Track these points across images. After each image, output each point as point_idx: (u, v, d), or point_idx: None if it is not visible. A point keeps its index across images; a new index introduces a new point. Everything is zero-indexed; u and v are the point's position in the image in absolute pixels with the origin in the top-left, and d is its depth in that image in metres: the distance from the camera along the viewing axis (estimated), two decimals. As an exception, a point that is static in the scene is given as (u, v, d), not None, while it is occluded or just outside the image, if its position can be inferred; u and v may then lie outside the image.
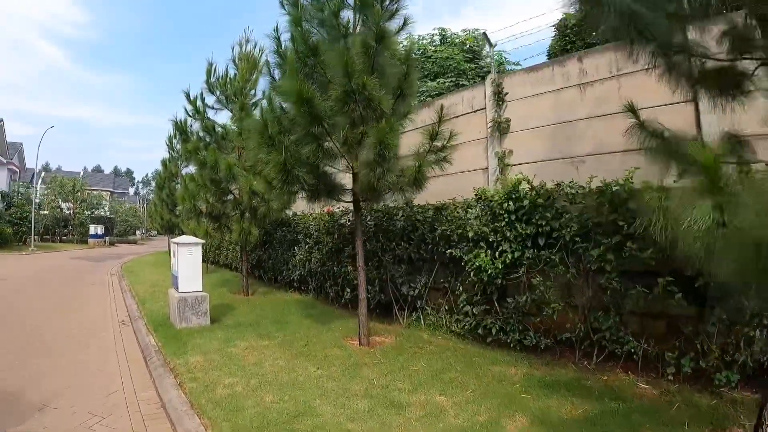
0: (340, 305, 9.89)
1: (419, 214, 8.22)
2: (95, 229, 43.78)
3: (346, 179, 7.37)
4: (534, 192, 6.25)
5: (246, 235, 10.63)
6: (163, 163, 22.48)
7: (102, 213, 53.48)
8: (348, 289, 9.39)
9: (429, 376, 5.58)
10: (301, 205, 11.74)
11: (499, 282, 6.48)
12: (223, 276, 15.99)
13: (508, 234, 6.41)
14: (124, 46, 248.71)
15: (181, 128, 12.17)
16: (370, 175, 6.32)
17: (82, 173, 66.73)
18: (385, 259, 8.59)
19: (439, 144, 6.86)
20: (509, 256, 6.34)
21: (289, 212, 12.52)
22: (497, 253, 6.52)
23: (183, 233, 21.55)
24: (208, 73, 11.77)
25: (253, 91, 11.75)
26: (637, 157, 4.88)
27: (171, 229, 22.74)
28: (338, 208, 9.56)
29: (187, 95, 11.89)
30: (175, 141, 22.48)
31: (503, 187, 7.04)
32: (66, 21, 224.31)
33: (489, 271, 6.48)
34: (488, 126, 8.86)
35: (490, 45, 10.34)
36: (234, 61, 11.94)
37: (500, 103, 8.84)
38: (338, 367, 5.98)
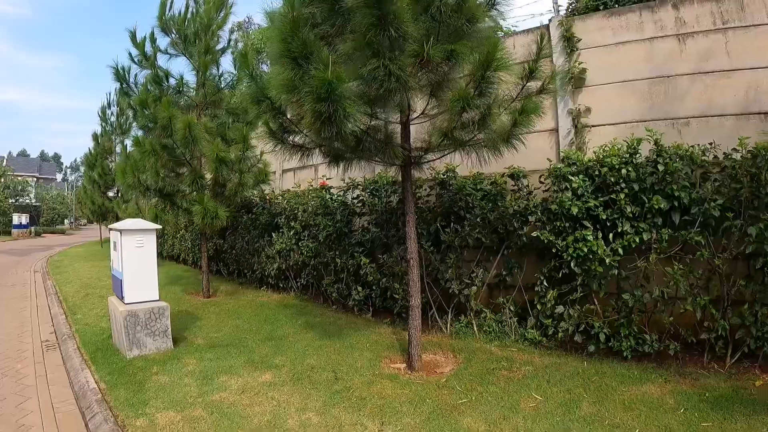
0: (344, 308, 7.43)
1: (478, 184, 6.18)
2: (19, 218, 38.46)
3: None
4: (667, 154, 4.93)
5: (211, 218, 7.82)
6: (95, 137, 18.88)
7: (27, 201, 47.91)
8: (359, 288, 7.01)
9: (563, 416, 3.66)
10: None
11: (615, 273, 4.98)
12: (172, 270, 12.89)
13: (628, 210, 4.93)
14: (62, 25, 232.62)
15: (121, 77, 9.04)
16: (453, 118, 4.31)
17: (5, 158, 60.12)
18: (423, 246, 6.26)
19: (534, 85, 4.74)
20: (633, 238, 4.85)
21: (266, 189, 9.82)
22: (612, 235, 5.02)
23: (118, 219, 18.35)
24: (163, 6, 8.79)
25: (221, 33, 8.93)
26: (756, 122, 5.13)
27: (104, 215, 19.23)
28: (342, 180, 7.06)
29: (133, 36, 8.87)
30: (109, 111, 19.05)
31: (582, 152, 5.96)
32: None
33: (605, 260, 4.93)
34: (557, 77, 6.67)
35: None
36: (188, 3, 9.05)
37: (572, 50, 6.85)
38: (413, 416, 3.65)
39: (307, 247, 7.85)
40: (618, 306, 5.01)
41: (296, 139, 5.24)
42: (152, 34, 8.84)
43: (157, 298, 5.84)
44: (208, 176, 8.36)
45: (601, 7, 9.17)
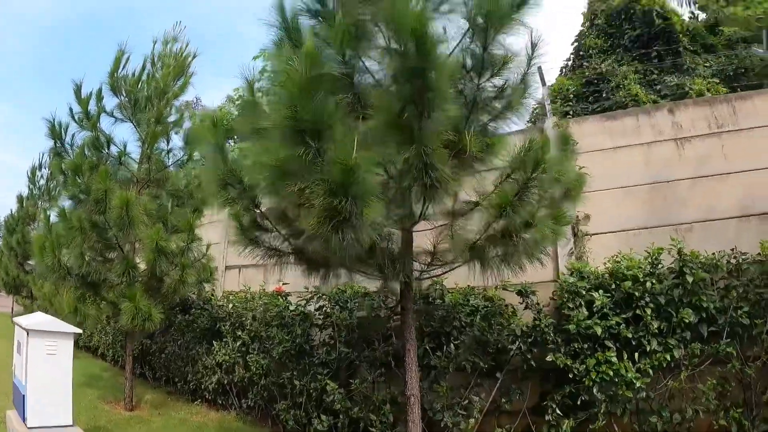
0: (304, 438, 5.96)
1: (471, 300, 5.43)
2: None
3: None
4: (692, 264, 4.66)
5: (143, 319, 6.27)
6: (20, 199, 16.81)
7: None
8: (322, 416, 5.60)
9: None
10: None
11: (644, 395, 4.49)
12: (89, 367, 10.75)
13: (655, 326, 4.55)
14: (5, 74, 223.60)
15: (57, 135, 7.58)
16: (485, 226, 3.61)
17: None
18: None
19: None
20: (663, 356, 4.46)
21: (207, 288, 8.38)
22: (638, 354, 4.56)
23: (33, 297, 15.93)
24: (117, 63, 7.58)
25: (177, 102, 7.78)
26: (756, 223, 5.41)
27: (17, 289, 16.80)
28: (307, 288, 6.10)
29: (77, 90, 7.58)
30: (39, 173, 17.10)
31: (583, 262, 5.61)
32: None
33: (634, 383, 4.40)
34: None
35: (543, 83, 7.22)
36: (153, 60, 7.91)
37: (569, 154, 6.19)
38: None
39: (257, 363, 6.38)
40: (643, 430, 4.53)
41: (273, 241, 3.99)
42: (99, 91, 7.61)
43: (71, 423, 4.43)
44: (142, 266, 6.90)
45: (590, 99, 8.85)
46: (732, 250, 4.79)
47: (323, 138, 2.70)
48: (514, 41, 3.75)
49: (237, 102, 16.57)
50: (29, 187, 16.90)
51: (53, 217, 7.64)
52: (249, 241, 4.04)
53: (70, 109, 7.70)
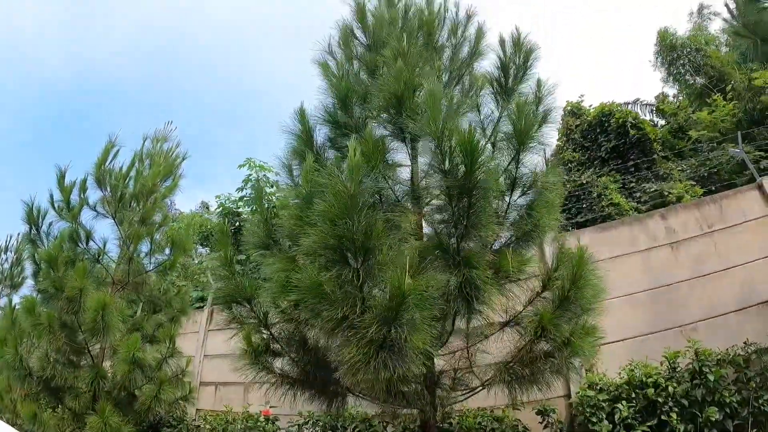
0: None
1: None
2: None
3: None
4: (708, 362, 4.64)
5: (111, 438, 5.53)
6: (-22, 282, 15.68)
7: None
8: None
9: None
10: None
11: None
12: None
13: (682, 429, 4.43)
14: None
15: (33, 221, 6.99)
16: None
17: None
18: None
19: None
20: None
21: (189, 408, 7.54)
22: None
23: None
24: (105, 154, 7.23)
25: (166, 202, 7.42)
26: (756, 310, 5.34)
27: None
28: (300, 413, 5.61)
29: (61, 177, 7.15)
30: (4, 256, 16.10)
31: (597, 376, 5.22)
32: None
33: None
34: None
35: None
36: (141, 157, 7.61)
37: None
38: None
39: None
40: None
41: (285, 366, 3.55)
42: (84, 182, 7.19)
43: None
44: (114, 376, 6.20)
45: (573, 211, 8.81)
46: (744, 342, 4.85)
47: (369, 259, 2.40)
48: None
49: (218, 210, 16.33)
50: (-6, 267, 15.83)
51: (16, 306, 6.99)
52: (259, 367, 3.55)
53: (51, 196, 7.22)
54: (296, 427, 5.72)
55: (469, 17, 5.55)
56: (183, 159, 7.79)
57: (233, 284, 3.37)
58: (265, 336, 3.50)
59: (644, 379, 4.78)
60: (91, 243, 7.05)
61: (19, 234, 16.44)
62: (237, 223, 15.02)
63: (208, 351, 8.47)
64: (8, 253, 16.17)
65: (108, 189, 7.29)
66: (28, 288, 16.34)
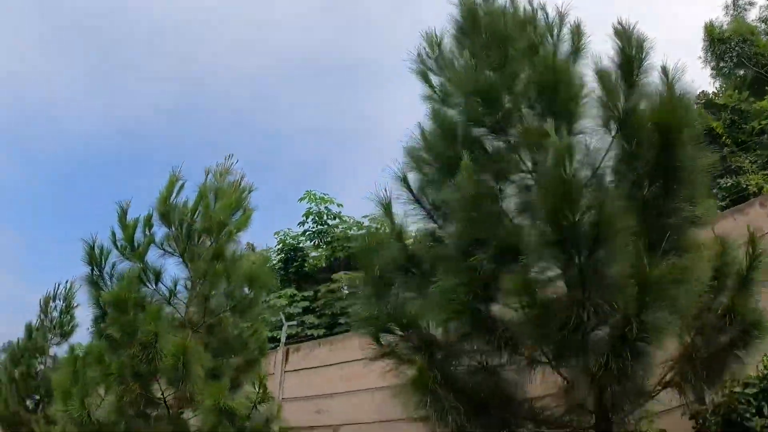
0: None
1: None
2: None
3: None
4: None
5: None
6: (28, 328, 15.21)
7: None
8: None
9: None
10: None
11: None
12: None
13: None
14: (15, 203, 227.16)
15: (95, 261, 6.44)
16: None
17: None
18: None
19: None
20: None
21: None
22: None
23: None
24: (170, 187, 6.74)
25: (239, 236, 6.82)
26: None
27: (13, 426, 14.77)
28: None
29: (122, 215, 6.64)
30: (53, 304, 15.80)
31: None
32: None
33: None
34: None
35: None
36: (205, 192, 7.04)
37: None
38: None
39: None
40: None
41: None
42: (149, 218, 6.67)
43: None
44: (199, 429, 5.55)
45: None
46: None
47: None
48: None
49: (278, 246, 15.93)
50: (40, 317, 15.49)
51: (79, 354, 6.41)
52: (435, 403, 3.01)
53: (113, 234, 6.70)
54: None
55: (561, 17, 5.08)
56: (250, 191, 7.25)
57: (386, 307, 2.88)
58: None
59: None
60: (160, 284, 6.50)
61: (67, 282, 16.21)
62: (299, 260, 14.58)
63: (286, 394, 7.86)
64: (57, 301, 15.90)
65: (174, 225, 6.78)
66: (79, 336, 16.02)
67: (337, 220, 15.78)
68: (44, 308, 15.25)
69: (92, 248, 6.62)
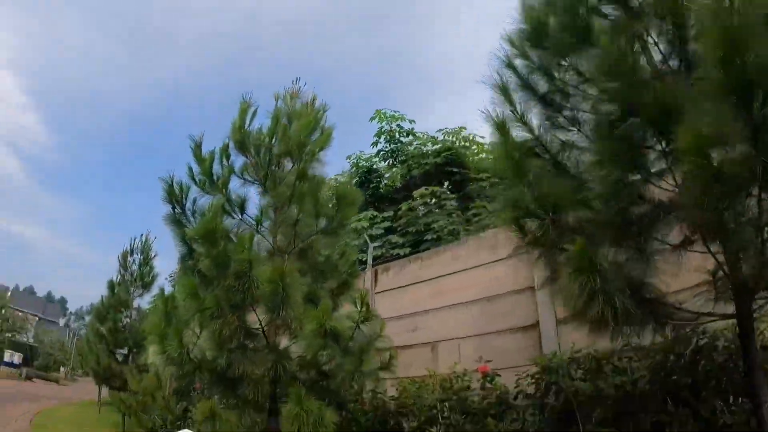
0: None
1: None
2: (11, 356, 34.04)
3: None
4: None
5: (315, 425, 4.49)
6: (111, 285, 15.63)
7: (24, 339, 43.15)
8: None
9: None
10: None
11: None
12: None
13: None
14: (84, 176, 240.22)
15: (176, 199, 6.12)
16: None
17: (10, 290, 55.99)
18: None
19: None
20: None
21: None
22: None
23: (125, 387, 14.31)
24: (242, 115, 6.24)
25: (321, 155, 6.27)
26: None
27: (107, 379, 15.39)
28: None
29: (197, 149, 6.27)
30: (131, 259, 16.08)
31: None
32: (30, 138, 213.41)
33: None
34: None
35: None
36: (278, 116, 6.47)
37: None
38: None
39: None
40: None
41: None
42: (225, 148, 6.25)
43: None
44: (303, 355, 5.19)
45: None
46: None
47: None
48: None
49: (353, 170, 15.56)
50: (120, 272, 15.85)
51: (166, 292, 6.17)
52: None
53: (190, 169, 6.35)
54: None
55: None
56: (324, 110, 6.66)
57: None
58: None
59: None
60: (244, 214, 6.10)
61: (142, 235, 16.49)
62: (375, 181, 14.20)
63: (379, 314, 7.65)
64: (135, 255, 16.20)
65: (251, 153, 6.33)
66: (161, 282, 16.30)
67: (410, 137, 15.22)
68: (123, 263, 15.60)
69: (171, 186, 6.27)
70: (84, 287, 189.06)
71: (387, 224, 12.51)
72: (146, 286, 15.65)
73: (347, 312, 5.33)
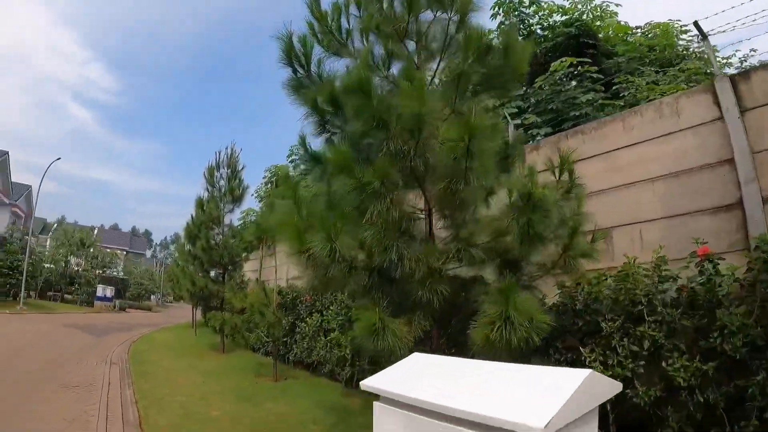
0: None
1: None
2: (104, 290, 35.22)
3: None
4: None
5: (526, 330, 3.21)
6: (199, 203, 14.71)
7: (114, 273, 45.03)
8: None
9: None
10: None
11: None
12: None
13: None
14: (153, 115, 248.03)
15: (297, 59, 4.65)
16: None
17: (97, 229, 58.59)
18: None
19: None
20: None
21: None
22: None
23: (222, 306, 13.69)
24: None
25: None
26: None
27: (206, 300, 14.87)
28: None
29: (315, 3, 4.89)
30: (218, 174, 14.99)
31: None
32: (99, 87, 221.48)
33: None
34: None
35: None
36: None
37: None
38: None
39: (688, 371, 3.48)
40: None
41: None
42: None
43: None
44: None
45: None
46: None
47: None
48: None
49: None
50: (207, 189, 14.90)
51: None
52: None
53: (310, 25, 5.00)
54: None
55: None
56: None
57: None
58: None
59: None
60: (390, 69, 4.69)
61: (227, 148, 15.38)
62: None
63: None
64: (221, 169, 15.13)
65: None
66: (249, 202, 14.97)
67: (533, 6, 13.28)
68: (210, 179, 14.57)
69: (290, 44, 4.90)
70: (166, 220, 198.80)
71: (520, 103, 10.94)
72: (237, 200, 14.59)
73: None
